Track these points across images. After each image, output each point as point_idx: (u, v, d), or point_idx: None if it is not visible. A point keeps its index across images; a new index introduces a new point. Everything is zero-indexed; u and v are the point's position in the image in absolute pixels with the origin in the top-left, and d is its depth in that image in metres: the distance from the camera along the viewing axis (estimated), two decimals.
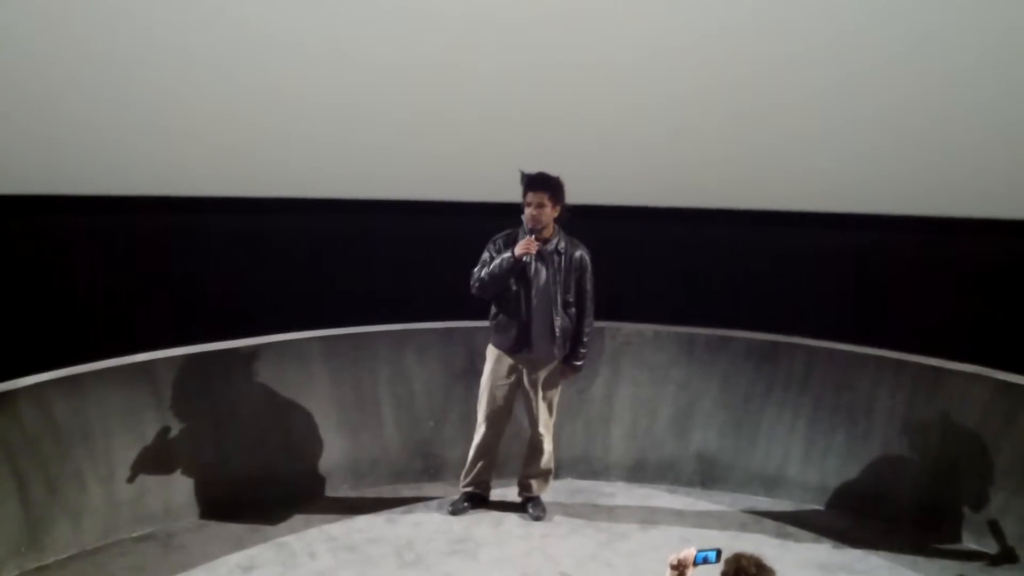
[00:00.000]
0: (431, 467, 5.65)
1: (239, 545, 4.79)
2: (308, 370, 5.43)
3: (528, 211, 4.86)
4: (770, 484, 5.54)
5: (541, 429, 5.15)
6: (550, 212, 4.88)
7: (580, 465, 5.78)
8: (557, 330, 4.97)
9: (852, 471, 5.33)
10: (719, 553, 3.10)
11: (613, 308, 5.86)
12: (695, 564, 3.08)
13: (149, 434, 4.93)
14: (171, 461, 5.01)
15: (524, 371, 5.07)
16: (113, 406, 4.81)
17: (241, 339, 5.37)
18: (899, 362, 5.28)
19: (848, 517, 5.27)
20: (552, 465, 5.27)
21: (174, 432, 5.01)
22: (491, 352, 5.12)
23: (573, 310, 5.02)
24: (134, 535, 4.82)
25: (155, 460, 4.95)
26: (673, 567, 3.05)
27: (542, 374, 5.07)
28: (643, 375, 5.73)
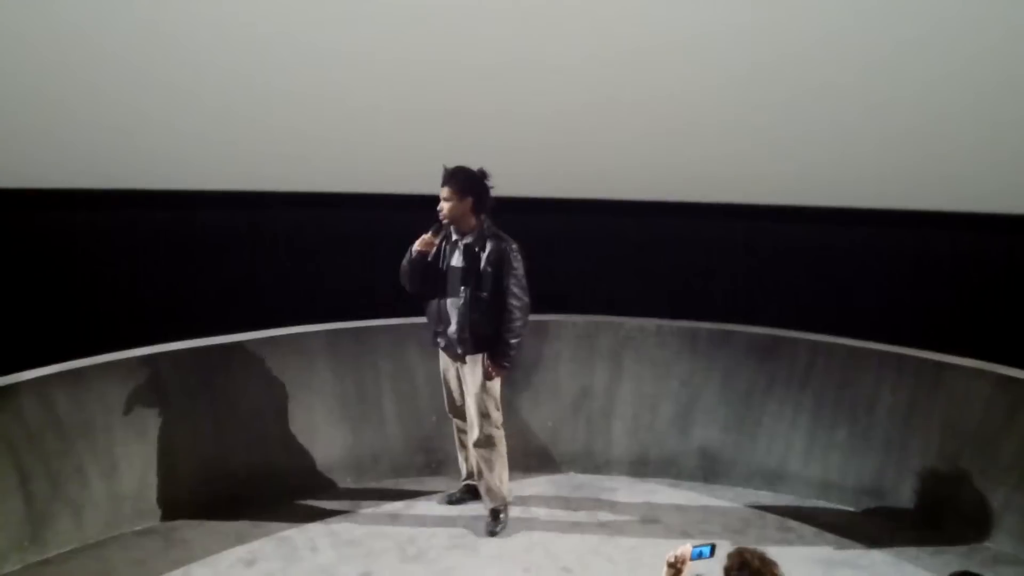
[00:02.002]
0: (433, 462, 5.65)
1: (241, 539, 4.80)
2: (310, 364, 5.43)
3: (439, 206, 4.79)
4: (772, 479, 5.54)
5: (471, 433, 4.98)
6: (457, 206, 4.73)
7: (582, 460, 5.78)
8: (466, 326, 4.79)
9: (854, 466, 5.33)
10: (713, 548, 3.11)
11: (616, 303, 5.86)
12: (691, 559, 3.08)
13: (151, 428, 4.94)
14: (173, 455, 5.02)
15: (454, 364, 5.00)
16: (115, 400, 4.82)
17: (243, 333, 5.38)
18: (901, 357, 5.28)
19: (850, 512, 5.28)
20: (492, 473, 4.97)
21: (176, 426, 5.01)
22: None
23: (487, 306, 4.78)
24: (136, 529, 4.83)
25: (157, 454, 4.96)
26: (670, 564, 3.06)
27: (465, 371, 4.92)
28: (645, 370, 5.72)
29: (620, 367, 5.74)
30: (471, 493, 5.27)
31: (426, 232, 4.80)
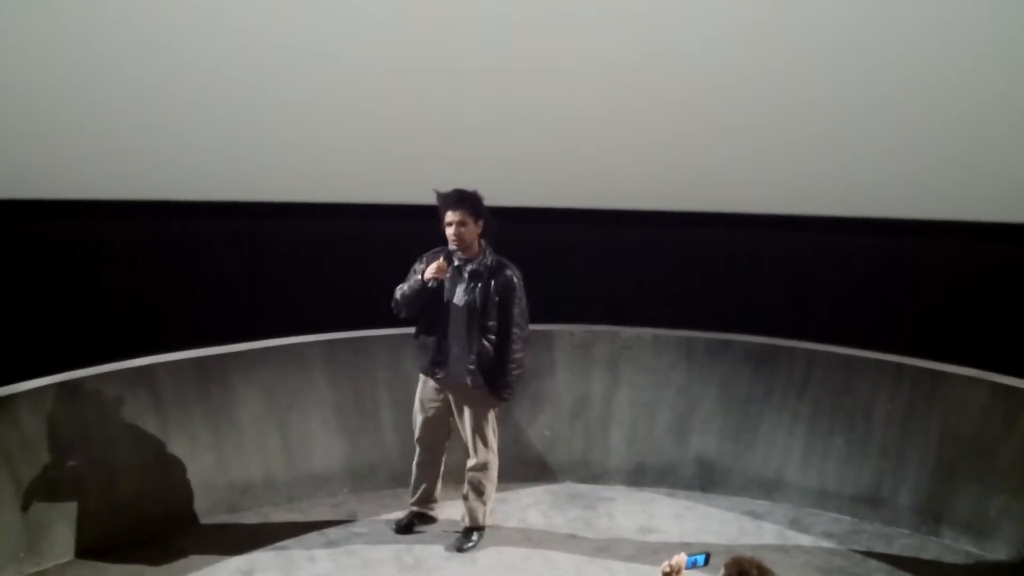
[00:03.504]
0: None
1: (238, 549, 4.79)
2: (307, 374, 5.43)
3: (450, 231, 4.64)
4: (769, 488, 5.54)
5: (468, 459, 4.93)
6: (473, 229, 4.65)
7: (579, 469, 5.78)
8: (473, 356, 4.68)
9: (851, 474, 5.33)
10: (708, 557, 3.12)
11: (613, 312, 5.86)
12: (686, 568, 3.08)
13: (148, 439, 4.93)
14: (170, 466, 5.01)
15: (449, 395, 4.88)
16: (112, 411, 4.82)
17: (240, 343, 5.38)
18: (898, 365, 5.29)
19: (847, 521, 5.28)
20: (482, 497, 4.94)
21: (173, 436, 5.01)
22: (420, 373, 4.97)
23: (493, 336, 4.70)
24: (133, 540, 4.81)
25: (154, 465, 4.96)
26: (665, 574, 3.05)
27: (465, 401, 4.82)
28: (642, 379, 5.73)
29: (617, 376, 5.75)
30: (419, 519, 5.14)
31: (427, 258, 4.73)
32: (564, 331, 5.75)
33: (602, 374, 5.75)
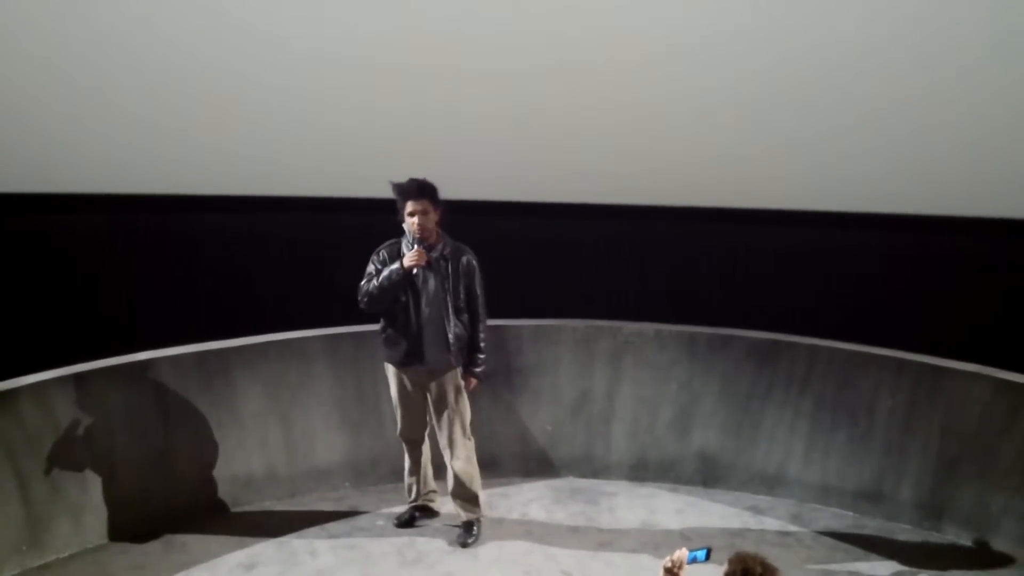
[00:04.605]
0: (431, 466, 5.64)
1: (240, 543, 4.80)
2: (309, 369, 5.43)
3: (413, 221, 4.68)
4: (771, 483, 5.54)
5: (445, 447, 4.94)
6: (433, 217, 4.71)
7: (581, 464, 5.78)
8: (451, 338, 4.76)
9: (853, 470, 5.33)
10: (709, 552, 3.12)
11: (614, 307, 5.85)
12: (687, 563, 3.08)
13: (150, 433, 4.94)
14: (172, 459, 5.02)
15: (423, 384, 4.88)
16: (114, 405, 4.82)
17: (242, 337, 5.38)
18: (900, 361, 5.28)
19: (849, 516, 5.28)
20: (472, 487, 4.95)
21: (175, 430, 5.02)
22: (388, 369, 4.95)
23: (465, 316, 4.82)
24: (135, 533, 4.82)
25: (156, 458, 4.96)
26: (667, 570, 3.05)
27: (441, 388, 4.85)
28: (644, 374, 5.72)
29: (619, 371, 5.74)
30: (422, 512, 5.18)
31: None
32: (566, 326, 5.75)
33: (604, 369, 5.74)
